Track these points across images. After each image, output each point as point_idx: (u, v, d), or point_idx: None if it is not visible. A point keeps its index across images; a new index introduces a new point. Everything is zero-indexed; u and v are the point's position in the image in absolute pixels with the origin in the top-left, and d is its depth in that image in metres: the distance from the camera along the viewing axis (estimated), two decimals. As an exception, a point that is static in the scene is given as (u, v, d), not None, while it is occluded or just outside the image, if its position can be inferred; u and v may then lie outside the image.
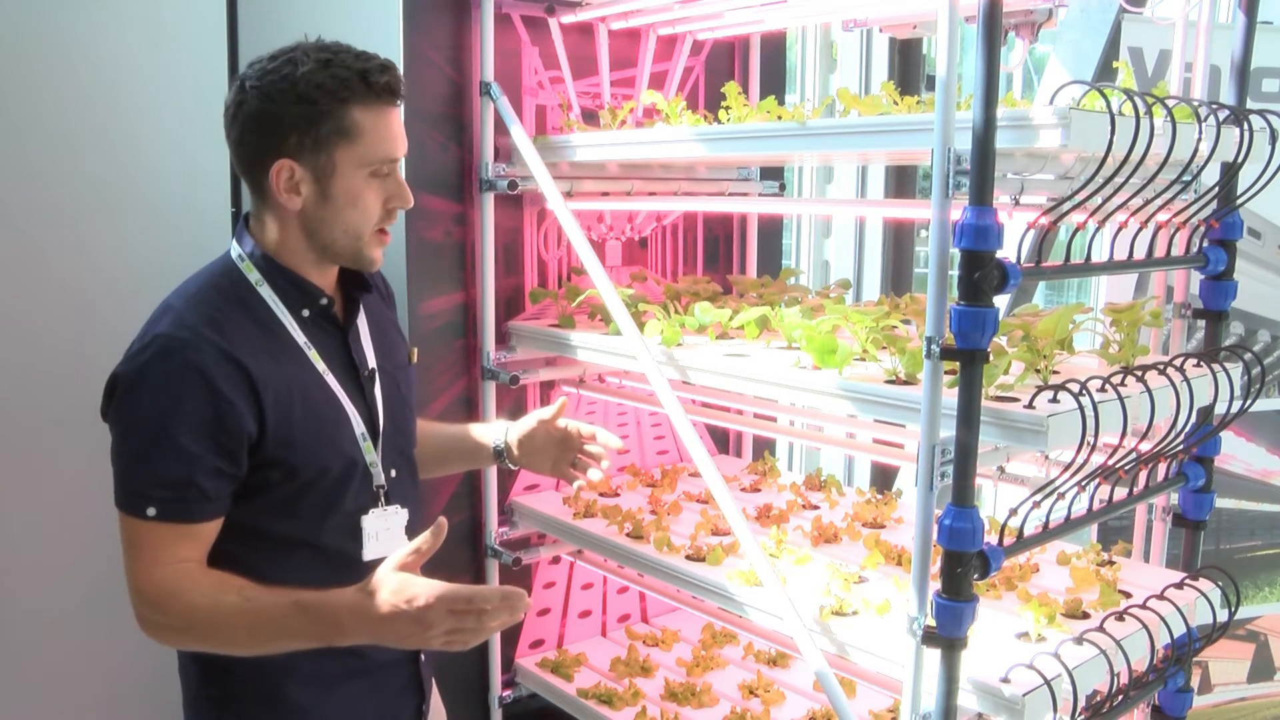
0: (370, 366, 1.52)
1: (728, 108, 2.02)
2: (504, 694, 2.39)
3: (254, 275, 1.43)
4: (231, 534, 1.38)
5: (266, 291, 1.43)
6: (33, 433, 2.09)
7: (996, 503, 2.62)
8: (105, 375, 2.11)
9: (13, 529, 2.08)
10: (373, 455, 1.48)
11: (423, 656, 1.60)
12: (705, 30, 2.52)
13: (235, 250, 1.45)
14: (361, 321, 1.54)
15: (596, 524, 2.19)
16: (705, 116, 2.15)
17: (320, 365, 1.44)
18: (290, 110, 1.37)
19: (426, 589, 1.26)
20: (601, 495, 2.38)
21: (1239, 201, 1.73)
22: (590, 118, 2.40)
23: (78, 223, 2.10)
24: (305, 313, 1.45)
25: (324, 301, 1.47)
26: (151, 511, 1.31)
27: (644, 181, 2.37)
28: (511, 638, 2.43)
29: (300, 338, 1.43)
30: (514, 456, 1.82)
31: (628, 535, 2.11)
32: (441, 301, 2.20)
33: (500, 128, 2.19)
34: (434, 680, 1.70)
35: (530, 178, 2.14)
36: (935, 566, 1.43)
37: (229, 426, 1.32)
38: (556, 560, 2.50)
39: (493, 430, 1.84)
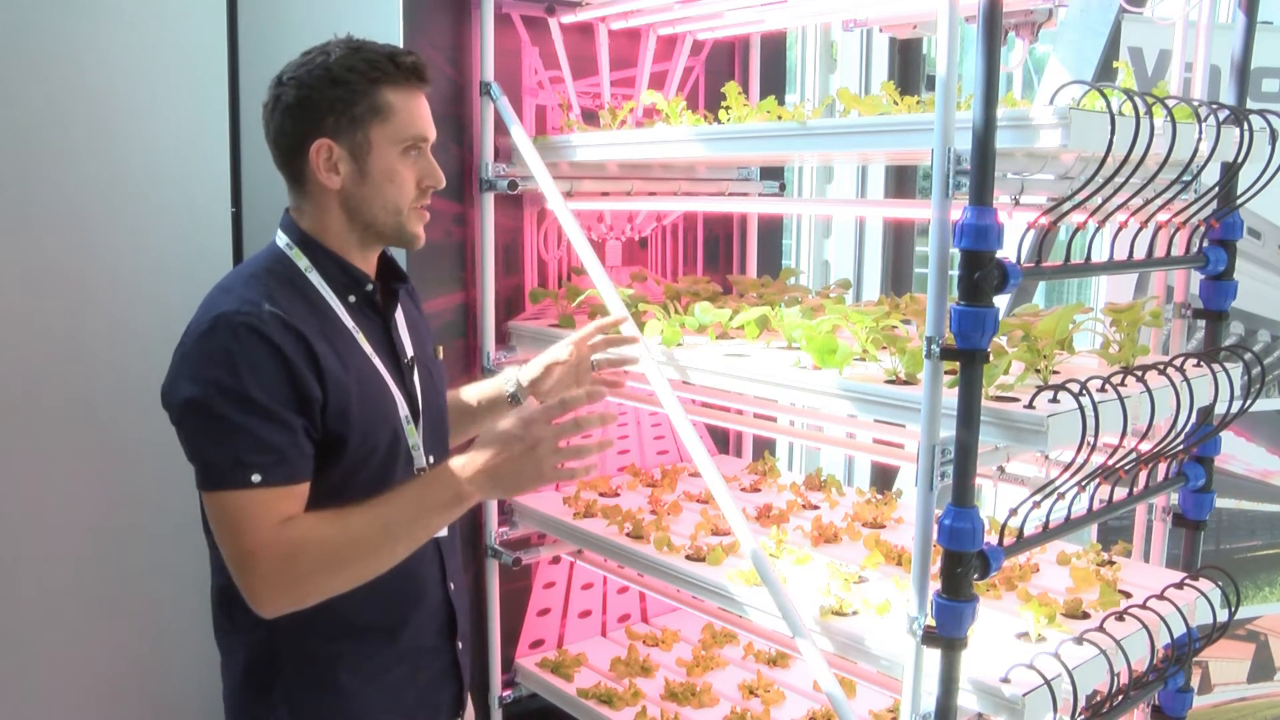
0: (410, 354, 1.57)
1: (728, 108, 2.02)
2: (504, 694, 2.39)
3: (303, 262, 1.48)
4: None
5: (315, 278, 1.48)
6: (35, 429, 2.09)
7: (996, 503, 2.61)
8: (106, 372, 2.14)
9: (13, 527, 2.08)
10: (415, 438, 1.52)
11: (460, 645, 1.63)
12: (705, 30, 2.52)
13: (283, 239, 1.50)
14: (398, 312, 1.59)
15: (596, 524, 2.19)
16: (705, 116, 2.15)
17: (368, 348, 1.49)
18: (327, 94, 1.42)
19: (521, 410, 1.38)
20: (601, 495, 2.38)
21: (1239, 201, 1.73)
22: (590, 118, 2.40)
23: (80, 222, 2.10)
24: (351, 299, 1.50)
25: (369, 287, 1.52)
26: (256, 478, 1.32)
27: (644, 181, 2.37)
28: (511, 638, 2.44)
29: (349, 322, 1.48)
30: (534, 393, 1.85)
31: (628, 535, 2.11)
32: (442, 301, 2.20)
33: (500, 128, 2.19)
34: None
35: (530, 178, 2.14)
36: (935, 566, 1.43)
37: (302, 390, 1.36)
38: (556, 560, 2.50)
39: (501, 381, 1.83)
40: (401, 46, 1.47)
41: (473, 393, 1.85)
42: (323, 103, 1.42)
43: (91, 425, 2.15)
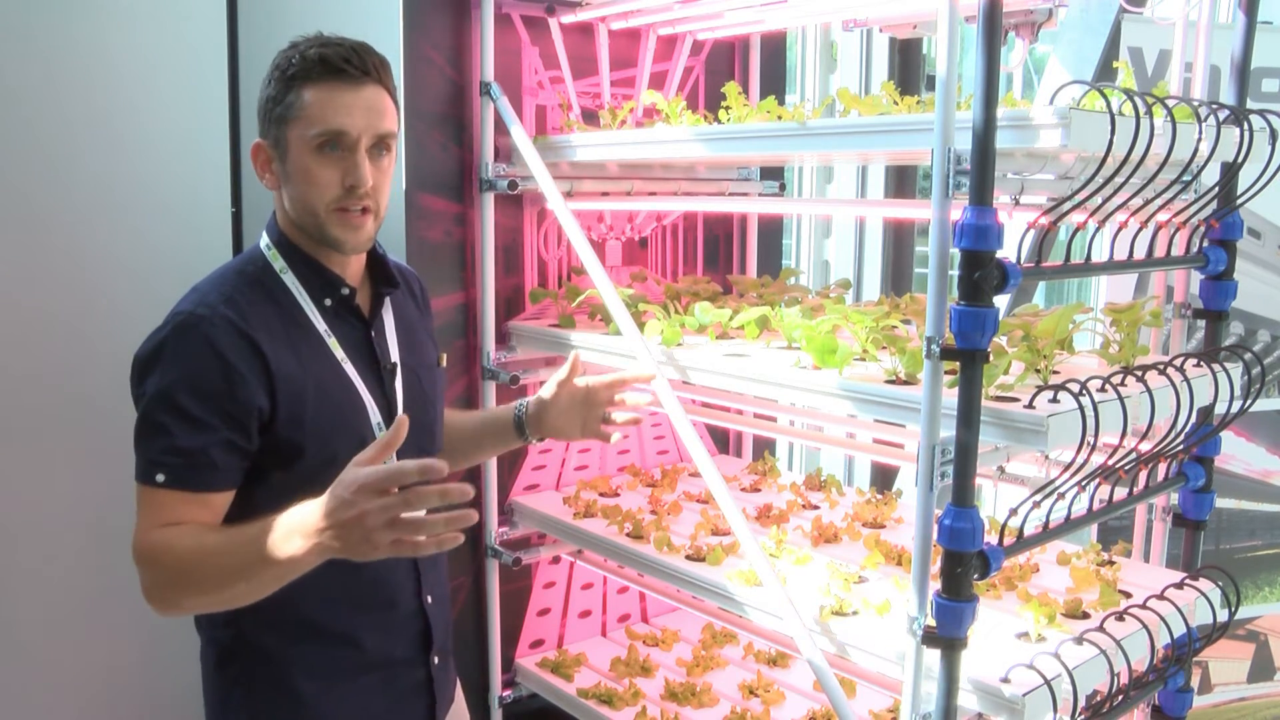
0: (392, 361, 1.54)
1: (728, 108, 2.02)
2: (504, 694, 2.39)
3: (279, 263, 1.47)
4: (245, 517, 1.38)
5: (290, 279, 1.46)
6: (34, 426, 2.09)
7: (996, 503, 2.62)
8: (106, 371, 2.14)
9: (14, 525, 2.08)
10: None
11: (436, 659, 1.60)
12: (705, 30, 2.52)
13: (264, 239, 1.50)
14: (388, 317, 1.56)
15: (596, 524, 2.19)
16: (705, 116, 2.15)
17: (339, 354, 1.47)
18: (261, 94, 1.45)
19: (355, 471, 1.20)
20: (601, 495, 2.38)
21: (1239, 201, 1.73)
22: (590, 118, 2.40)
23: (81, 220, 2.11)
24: (328, 302, 1.48)
25: (345, 291, 1.50)
26: (161, 478, 1.33)
27: (644, 181, 2.37)
28: (511, 638, 2.44)
29: (321, 326, 1.47)
30: (539, 426, 1.75)
31: (628, 535, 2.11)
32: (441, 301, 2.20)
33: (500, 128, 2.19)
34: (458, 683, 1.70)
35: (530, 178, 2.14)
36: (935, 566, 1.43)
37: (239, 399, 1.35)
38: (556, 560, 2.50)
39: (512, 405, 1.79)
40: (362, 43, 1.44)
41: (479, 413, 1.84)
42: (259, 104, 1.45)
43: (90, 423, 2.15)
